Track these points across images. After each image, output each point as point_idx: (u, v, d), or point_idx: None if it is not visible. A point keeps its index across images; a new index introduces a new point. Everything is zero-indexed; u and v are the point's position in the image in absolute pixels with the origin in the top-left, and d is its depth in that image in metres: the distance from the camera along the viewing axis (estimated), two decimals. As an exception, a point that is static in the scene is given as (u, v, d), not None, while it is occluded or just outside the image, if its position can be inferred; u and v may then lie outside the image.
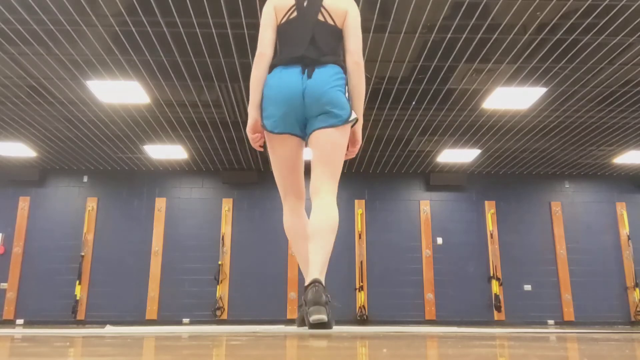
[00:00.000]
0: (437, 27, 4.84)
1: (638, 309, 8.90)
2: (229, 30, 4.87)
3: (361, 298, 8.81)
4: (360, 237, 9.12)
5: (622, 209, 9.42)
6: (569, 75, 5.74)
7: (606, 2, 4.39)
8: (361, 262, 8.99)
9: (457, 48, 5.19)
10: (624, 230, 9.29)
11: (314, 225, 2.33)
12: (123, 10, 4.57)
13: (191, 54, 5.32)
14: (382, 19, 4.71)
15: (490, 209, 9.37)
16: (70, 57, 5.39)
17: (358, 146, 2.56)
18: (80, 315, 8.58)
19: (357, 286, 8.89)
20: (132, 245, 8.96)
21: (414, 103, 6.50)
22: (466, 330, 2.95)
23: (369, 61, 5.46)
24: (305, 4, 2.50)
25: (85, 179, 9.28)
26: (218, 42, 5.09)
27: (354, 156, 2.59)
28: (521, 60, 5.42)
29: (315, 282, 2.19)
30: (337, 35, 2.50)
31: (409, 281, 8.99)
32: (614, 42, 5.02)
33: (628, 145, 7.95)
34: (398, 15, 4.65)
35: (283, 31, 2.52)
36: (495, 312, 8.86)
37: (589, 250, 9.21)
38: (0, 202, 9.06)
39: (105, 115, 6.86)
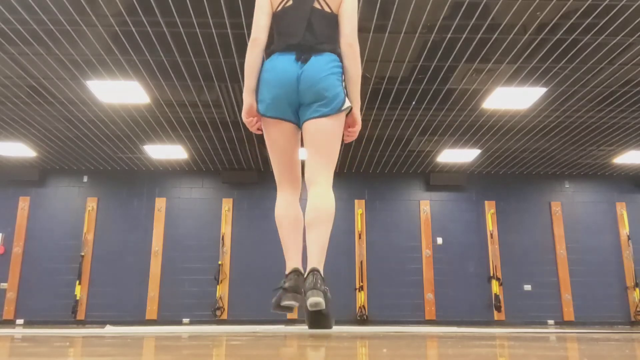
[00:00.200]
0: (437, 27, 4.84)
1: (638, 309, 8.90)
2: (229, 30, 4.87)
3: (361, 298, 8.81)
4: (360, 237, 9.12)
5: (622, 209, 9.41)
6: (569, 75, 5.74)
7: (606, 2, 4.39)
8: (361, 262, 8.99)
9: (457, 48, 5.19)
10: (624, 230, 9.29)
11: (310, 215, 2.35)
12: (123, 10, 4.57)
13: (191, 54, 5.32)
14: (382, 19, 4.71)
15: (490, 209, 9.37)
16: (70, 57, 5.39)
17: (357, 127, 2.53)
18: (80, 315, 8.58)
19: (357, 286, 8.88)
20: (132, 245, 8.96)
21: (414, 103, 6.50)
22: (466, 330, 2.94)
23: (369, 61, 5.46)
24: None
25: (85, 179, 9.27)
26: (218, 42, 5.09)
27: (355, 137, 2.57)
28: (521, 60, 5.42)
29: (313, 270, 2.23)
30: (333, 21, 2.49)
31: (409, 281, 8.99)
32: (614, 42, 5.02)
33: (628, 145, 7.95)
34: (398, 15, 4.65)
35: (279, 18, 2.51)
36: (495, 312, 8.86)
37: (589, 250, 9.21)
38: (0, 202, 9.06)
39: (105, 115, 6.86)
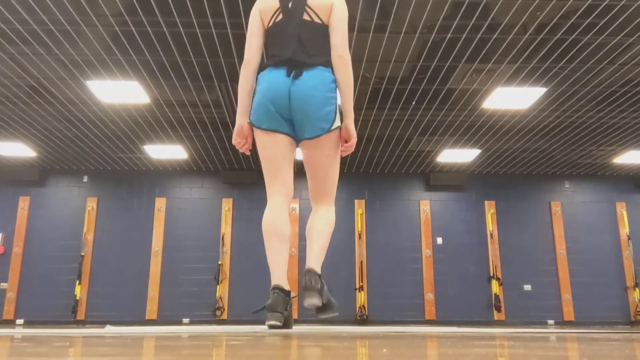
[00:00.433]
0: (437, 27, 4.84)
1: (638, 309, 8.90)
2: (229, 30, 4.87)
3: (361, 298, 8.81)
4: (360, 237, 9.12)
5: (622, 209, 9.42)
6: (569, 75, 5.74)
7: (606, 2, 4.39)
8: (361, 262, 8.99)
9: (457, 48, 5.19)
10: (624, 230, 9.29)
11: (311, 225, 2.52)
12: (123, 10, 4.57)
13: (191, 54, 5.32)
14: (382, 19, 4.71)
15: (490, 209, 9.37)
16: (70, 57, 5.39)
17: (353, 141, 2.46)
18: (80, 315, 8.58)
19: (357, 286, 8.88)
20: (132, 245, 8.96)
21: (414, 103, 6.50)
22: (466, 330, 2.95)
23: (369, 61, 5.46)
24: (290, 5, 2.49)
25: (85, 179, 9.28)
26: (218, 42, 5.09)
27: (352, 150, 2.52)
28: (521, 60, 5.42)
29: (308, 271, 2.36)
30: (324, 32, 2.47)
31: (409, 281, 8.99)
32: (614, 42, 5.02)
33: (628, 145, 7.95)
34: (398, 15, 4.65)
35: (271, 34, 2.53)
36: (495, 312, 8.86)
37: (589, 250, 9.21)
38: (0, 202, 9.06)
39: (105, 115, 6.86)
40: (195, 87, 6.09)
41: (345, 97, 2.44)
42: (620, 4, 4.41)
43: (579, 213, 9.41)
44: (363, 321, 8.65)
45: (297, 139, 2.50)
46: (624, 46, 5.10)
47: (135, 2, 4.45)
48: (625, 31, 4.83)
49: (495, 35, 4.96)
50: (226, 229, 9.09)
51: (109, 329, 2.84)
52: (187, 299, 8.75)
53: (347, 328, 3.06)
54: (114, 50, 5.24)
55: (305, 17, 2.46)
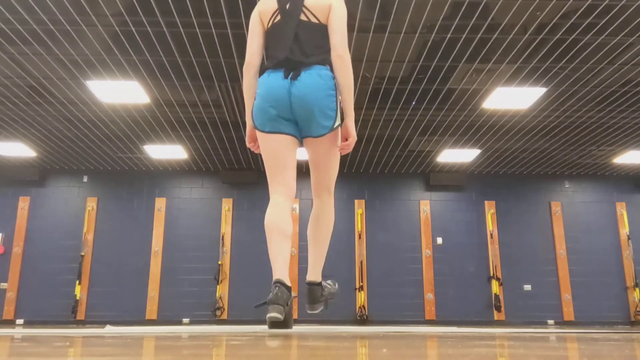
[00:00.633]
0: (437, 27, 4.84)
1: (638, 309, 8.90)
2: (229, 30, 4.87)
3: (361, 298, 8.81)
4: (360, 237, 9.12)
5: (622, 209, 9.42)
6: (569, 75, 5.74)
7: (606, 2, 4.39)
8: (361, 262, 8.99)
9: (457, 48, 5.19)
10: (624, 230, 9.29)
11: (312, 227, 2.65)
12: (123, 10, 4.57)
13: (191, 54, 5.32)
14: (382, 19, 4.71)
15: (490, 209, 9.37)
16: (70, 57, 5.39)
17: (352, 140, 2.47)
18: (80, 315, 8.58)
19: (357, 286, 8.88)
20: (132, 245, 8.96)
21: (414, 103, 6.49)
22: (466, 330, 2.95)
23: (369, 61, 5.46)
24: (287, 6, 2.51)
25: (85, 179, 9.27)
26: (218, 42, 5.09)
27: (350, 150, 2.53)
28: (521, 60, 5.42)
29: (307, 283, 2.61)
30: (322, 32, 2.48)
31: (409, 281, 8.99)
32: (614, 42, 5.02)
33: (628, 145, 7.95)
34: (398, 15, 4.65)
35: (270, 35, 2.56)
36: (495, 312, 8.86)
37: (589, 250, 9.21)
38: (0, 202, 9.06)
39: (105, 115, 6.86)
40: (195, 87, 6.09)
41: (346, 96, 2.45)
42: (620, 4, 4.41)
43: (579, 213, 9.41)
44: (363, 321, 8.65)
45: (300, 137, 2.53)
46: (624, 46, 5.10)
47: (135, 2, 4.45)
48: (625, 31, 4.83)
49: (495, 35, 4.96)
50: (226, 229, 9.09)
51: (109, 329, 2.84)
52: (187, 299, 8.75)
53: (347, 328, 3.07)
54: (114, 50, 5.24)
55: (303, 17, 2.48)
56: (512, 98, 6.30)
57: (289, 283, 2.31)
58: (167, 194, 9.28)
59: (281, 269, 2.34)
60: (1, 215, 8.99)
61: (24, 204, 9.05)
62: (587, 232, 9.29)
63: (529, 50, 5.21)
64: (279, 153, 2.48)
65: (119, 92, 6.17)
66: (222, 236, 9.03)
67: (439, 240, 9.19)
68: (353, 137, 2.47)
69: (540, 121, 7.05)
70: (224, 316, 8.68)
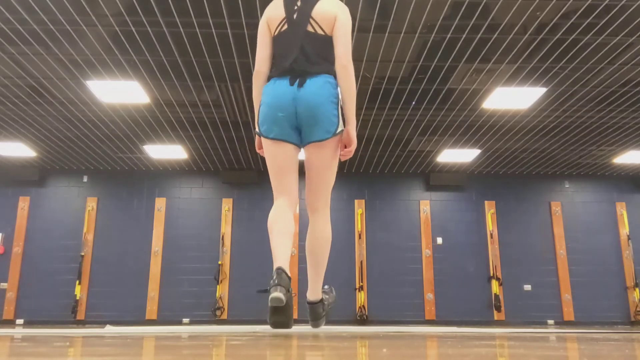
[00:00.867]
0: (437, 27, 4.84)
1: (638, 309, 8.90)
2: (229, 30, 4.87)
3: (361, 298, 8.81)
4: (360, 237, 9.12)
5: (622, 209, 9.42)
6: (569, 75, 5.74)
7: (606, 2, 4.39)
8: (361, 262, 8.99)
9: (457, 48, 5.19)
10: (624, 230, 9.29)
11: (310, 243, 2.65)
12: (123, 10, 4.57)
13: (191, 54, 5.32)
14: (382, 19, 4.71)
15: (490, 209, 9.37)
16: (70, 57, 5.39)
17: (353, 146, 2.57)
18: (80, 315, 8.58)
19: (357, 286, 8.89)
20: (132, 245, 8.96)
21: (414, 103, 6.50)
22: (466, 330, 2.95)
23: (369, 61, 5.46)
24: (295, 15, 2.56)
25: (85, 179, 9.28)
26: (218, 42, 5.09)
27: (351, 156, 2.61)
28: (521, 60, 5.42)
29: (310, 303, 2.65)
30: (328, 43, 2.55)
31: (409, 281, 8.99)
32: (614, 42, 5.02)
33: (628, 145, 7.95)
34: (398, 15, 4.65)
35: (277, 43, 2.61)
36: (495, 312, 8.86)
37: (589, 250, 9.21)
38: (0, 202, 9.06)
39: (105, 115, 6.86)
40: (195, 87, 6.09)
41: (348, 104, 2.52)
42: (620, 4, 4.41)
43: (579, 213, 9.41)
44: (363, 321, 8.65)
45: (301, 144, 2.59)
46: (624, 46, 5.10)
47: (135, 2, 4.45)
48: (625, 31, 4.83)
49: (495, 35, 4.96)
50: (226, 229, 9.09)
51: (109, 329, 2.84)
52: (187, 299, 8.75)
53: (347, 328, 3.07)
54: (114, 50, 5.24)
55: (309, 28, 2.54)
56: (512, 98, 6.31)
57: (289, 274, 2.32)
58: (167, 194, 9.28)
59: (283, 259, 2.36)
60: (1, 215, 8.99)
61: (24, 204, 9.05)
62: (587, 232, 9.29)
63: (529, 50, 5.21)
64: (282, 160, 2.55)
65: (119, 92, 6.17)
66: (222, 236, 9.03)
67: (439, 240, 9.19)
68: (354, 144, 2.57)
69: (540, 121, 7.05)
70: (224, 316, 8.68)
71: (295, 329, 2.59)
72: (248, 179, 9.23)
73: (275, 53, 2.63)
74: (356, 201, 9.33)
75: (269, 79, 2.59)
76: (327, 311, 2.73)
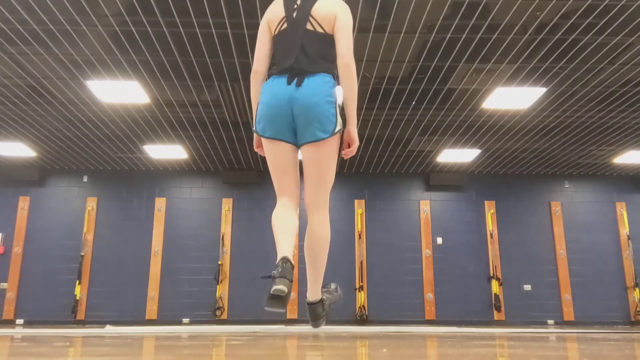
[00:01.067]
0: (437, 27, 4.84)
1: (638, 309, 8.90)
2: (229, 30, 4.87)
3: (361, 298, 8.81)
4: (360, 237, 9.12)
5: (622, 209, 9.41)
6: (569, 75, 5.74)
7: (606, 2, 4.39)
8: (361, 262, 8.99)
9: (457, 48, 5.19)
10: (624, 230, 9.29)
11: (309, 243, 2.61)
12: (123, 10, 4.57)
13: (191, 54, 5.32)
14: (382, 19, 4.71)
15: (490, 209, 9.37)
16: (70, 57, 5.39)
17: (355, 145, 2.57)
18: (80, 315, 8.58)
19: (357, 286, 8.88)
20: (132, 245, 8.96)
21: (414, 103, 6.50)
22: (466, 330, 2.95)
23: (369, 61, 5.46)
24: (294, 14, 2.56)
25: (85, 179, 9.27)
26: (218, 42, 5.08)
27: (353, 155, 2.60)
28: (521, 60, 5.42)
29: (309, 303, 2.61)
30: (328, 42, 2.54)
31: (409, 281, 8.99)
32: (614, 42, 5.02)
33: (628, 145, 7.95)
34: (398, 15, 4.65)
35: (277, 42, 2.61)
36: (495, 312, 8.86)
37: (589, 250, 9.21)
38: (0, 202, 9.06)
39: (105, 115, 6.86)
40: (195, 87, 6.09)
41: (350, 104, 2.51)
42: (620, 4, 4.41)
43: (579, 213, 9.41)
44: (363, 321, 8.65)
45: (299, 145, 2.58)
46: (624, 46, 5.10)
47: (135, 2, 4.45)
48: (625, 31, 4.82)
49: (495, 35, 4.96)
50: (226, 229, 9.09)
51: (109, 329, 2.84)
52: (187, 299, 8.75)
53: (347, 328, 3.08)
54: (114, 50, 5.24)
55: (309, 27, 2.53)
56: (512, 98, 6.30)
57: (293, 262, 2.34)
58: (167, 194, 9.27)
59: (287, 248, 2.37)
60: (1, 215, 8.99)
61: (24, 203, 9.05)
62: (587, 232, 9.29)
63: (529, 50, 5.21)
64: (279, 160, 2.55)
65: (119, 92, 6.17)
66: (222, 236, 9.03)
67: (439, 240, 9.19)
68: (356, 143, 2.56)
69: (540, 121, 7.05)
70: (224, 316, 8.68)
71: (296, 329, 2.59)
72: (248, 179, 9.23)
73: (276, 52, 2.63)
74: (356, 201, 9.33)
75: (268, 76, 2.59)
76: (327, 311, 2.71)
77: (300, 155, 2.62)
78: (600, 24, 4.72)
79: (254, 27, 4.75)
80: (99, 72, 5.70)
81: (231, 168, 9.30)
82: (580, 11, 4.53)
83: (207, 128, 7.35)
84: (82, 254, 8.83)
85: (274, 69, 2.57)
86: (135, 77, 5.82)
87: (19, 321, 8.52)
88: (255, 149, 2.70)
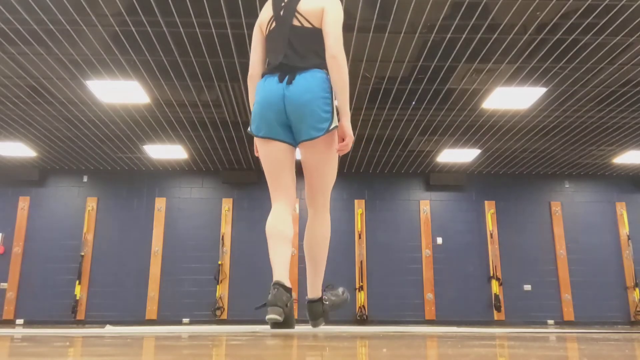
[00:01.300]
0: (437, 27, 4.84)
1: (638, 309, 8.90)
2: (229, 30, 4.87)
3: (361, 298, 8.81)
4: (360, 237, 9.12)
5: (622, 209, 9.42)
6: (569, 75, 5.74)
7: (606, 2, 4.39)
8: (361, 262, 8.99)
9: (457, 48, 5.19)
10: (624, 230, 9.29)
11: (308, 240, 2.63)
12: (123, 10, 4.57)
13: (191, 54, 5.32)
14: (382, 19, 4.71)
15: (490, 209, 9.37)
16: (70, 57, 5.39)
17: (348, 139, 2.44)
18: (80, 315, 8.59)
19: (357, 286, 8.89)
20: (132, 245, 8.96)
21: (414, 103, 6.50)
22: (466, 330, 2.95)
23: (369, 61, 5.46)
24: (281, 12, 2.56)
25: (85, 179, 9.28)
26: (218, 42, 5.09)
27: (348, 150, 2.50)
28: (521, 60, 5.42)
29: (309, 301, 2.62)
30: (317, 36, 2.50)
31: (409, 281, 8.99)
32: (614, 42, 5.02)
33: (628, 145, 7.95)
34: (398, 15, 4.65)
35: (268, 42, 2.63)
36: (495, 312, 8.86)
37: (589, 250, 9.21)
38: (0, 202, 9.06)
39: (105, 115, 6.86)
40: (195, 87, 6.09)
41: (341, 96, 2.45)
42: (620, 4, 4.41)
43: (579, 213, 9.41)
44: (363, 321, 8.66)
45: (295, 143, 2.54)
46: (624, 46, 5.10)
47: (135, 2, 4.45)
48: (625, 31, 4.83)
49: (495, 35, 4.96)
50: (226, 229, 9.09)
51: (109, 329, 2.84)
52: (187, 299, 8.75)
53: (347, 328, 3.07)
54: (114, 50, 5.24)
55: (295, 22, 2.51)
56: (512, 98, 6.31)
57: (288, 285, 2.33)
58: (167, 194, 9.28)
59: (281, 270, 2.37)
60: (1, 215, 8.99)
61: (24, 203, 9.05)
62: (587, 232, 9.29)
63: (529, 50, 5.21)
64: (274, 159, 2.51)
65: (119, 92, 6.17)
66: (222, 236, 9.03)
67: (439, 240, 9.19)
68: (350, 137, 2.45)
69: (540, 121, 7.05)
70: (224, 316, 8.68)
71: (295, 329, 2.59)
72: (248, 179, 9.23)
73: (267, 51, 2.64)
74: (356, 201, 9.33)
75: (262, 76, 2.58)
76: (327, 311, 2.67)
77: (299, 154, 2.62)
78: (600, 24, 4.72)
79: (253, 27, 4.75)
80: (99, 72, 5.70)
81: (231, 168, 9.30)
82: (580, 11, 4.53)
83: (207, 128, 7.35)
84: (82, 254, 8.83)
85: (266, 68, 2.57)
86: (135, 77, 5.83)
87: (19, 321, 8.52)
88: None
